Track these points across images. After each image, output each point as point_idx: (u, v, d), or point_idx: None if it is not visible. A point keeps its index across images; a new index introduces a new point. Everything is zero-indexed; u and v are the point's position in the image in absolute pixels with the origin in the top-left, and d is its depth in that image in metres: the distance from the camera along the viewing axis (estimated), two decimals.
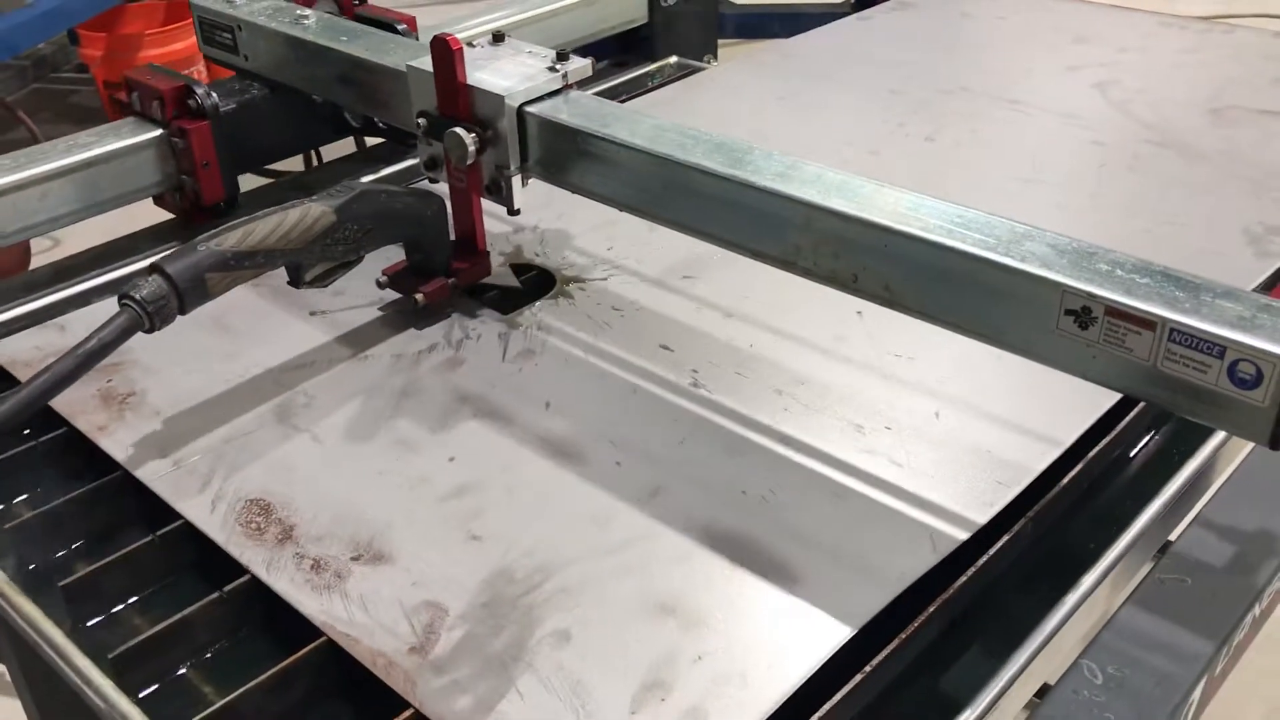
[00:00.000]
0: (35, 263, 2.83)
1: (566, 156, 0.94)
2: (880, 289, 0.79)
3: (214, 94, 1.18)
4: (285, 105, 1.25)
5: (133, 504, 0.88)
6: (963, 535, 0.79)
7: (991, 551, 0.79)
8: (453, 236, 1.07)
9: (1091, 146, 1.32)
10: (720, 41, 1.75)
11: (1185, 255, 1.11)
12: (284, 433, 0.91)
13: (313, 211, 0.92)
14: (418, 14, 1.29)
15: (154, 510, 0.85)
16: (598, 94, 1.52)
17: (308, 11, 1.19)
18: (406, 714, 0.69)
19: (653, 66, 1.60)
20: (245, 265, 0.88)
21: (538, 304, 1.08)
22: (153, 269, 0.85)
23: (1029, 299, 0.71)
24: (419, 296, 1.03)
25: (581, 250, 1.15)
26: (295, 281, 0.95)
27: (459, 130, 0.95)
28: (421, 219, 1.02)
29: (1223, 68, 1.52)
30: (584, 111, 0.94)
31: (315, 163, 1.66)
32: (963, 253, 0.73)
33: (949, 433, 0.89)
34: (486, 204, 1.03)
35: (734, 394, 0.94)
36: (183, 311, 0.86)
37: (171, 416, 0.94)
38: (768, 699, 0.68)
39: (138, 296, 0.84)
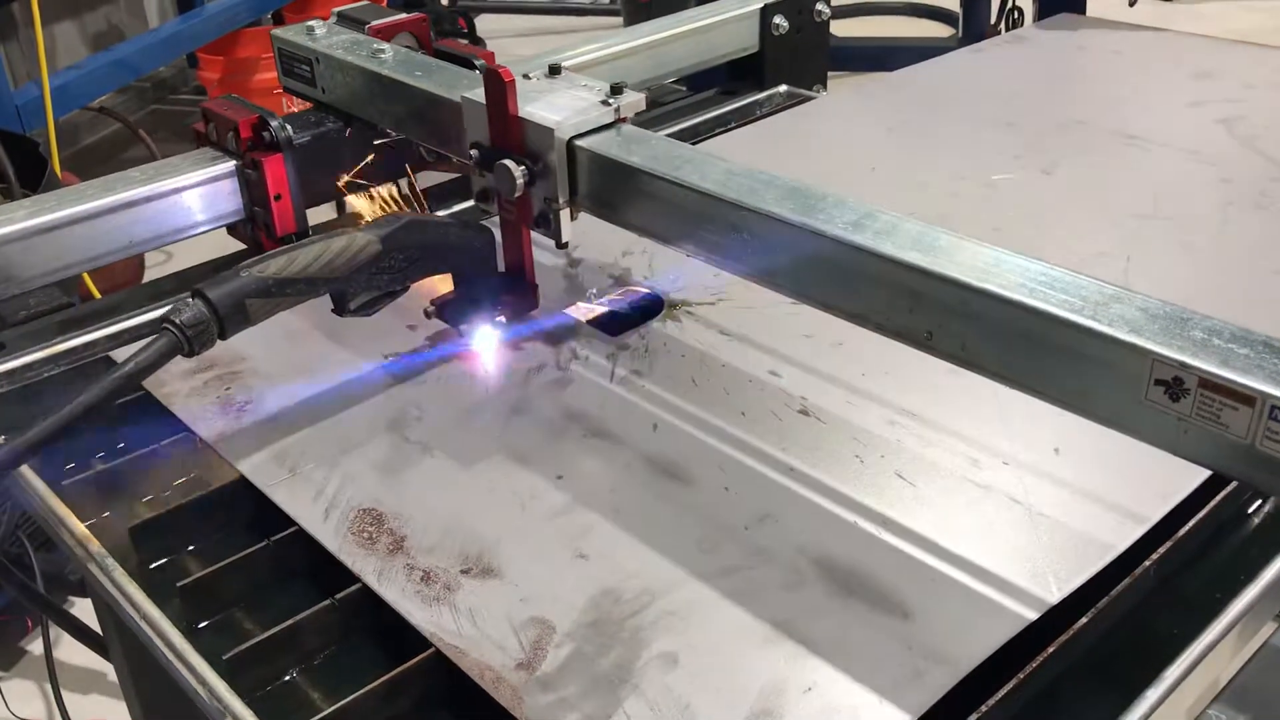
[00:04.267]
0: (149, 275, 2.93)
1: (617, 192, 0.93)
2: (956, 349, 0.75)
3: (288, 126, 1.17)
4: (360, 139, 1.23)
5: (248, 509, 0.90)
6: (1083, 575, 0.77)
7: (1113, 594, 0.76)
8: (502, 268, 1.05)
9: (1217, 184, 1.28)
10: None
11: None
12: (396, 444, 0.93)
13: (358, 240, 0.91)
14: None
15: (268, 516, 0.87)
16: (707, 122, 1.54)
17: (385, 46, 1.19)
18: None
19: (762, 95, 1.60)
20: (287, 292, 0.88)
21: (646, 325, 1.08)
22: (194, 293, 0.85)
23: (1115, 367, 0.66)
24: (464, 328, 1.03)
25: (690, 274, 1.15)
26: (339, 309, 0.95)
27: (508, 163, 0.95)
28: (469, 250, 1.01)
29: None
30: (636, 146, 0.93)
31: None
32: (1045, 314, 0.69)
33: (1072, 468, 0.86)
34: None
35: (846, 424, 0.93)
36: (223, 337, 0.86)
37: (287, 424, 0.95)
38: None
39: (178, 320, 0.83)
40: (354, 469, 0.90)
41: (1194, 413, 0.64)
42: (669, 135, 1.50)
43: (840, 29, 3.82)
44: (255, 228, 1.21)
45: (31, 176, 2.28)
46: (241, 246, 1.29)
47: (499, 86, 0.95)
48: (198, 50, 4.05)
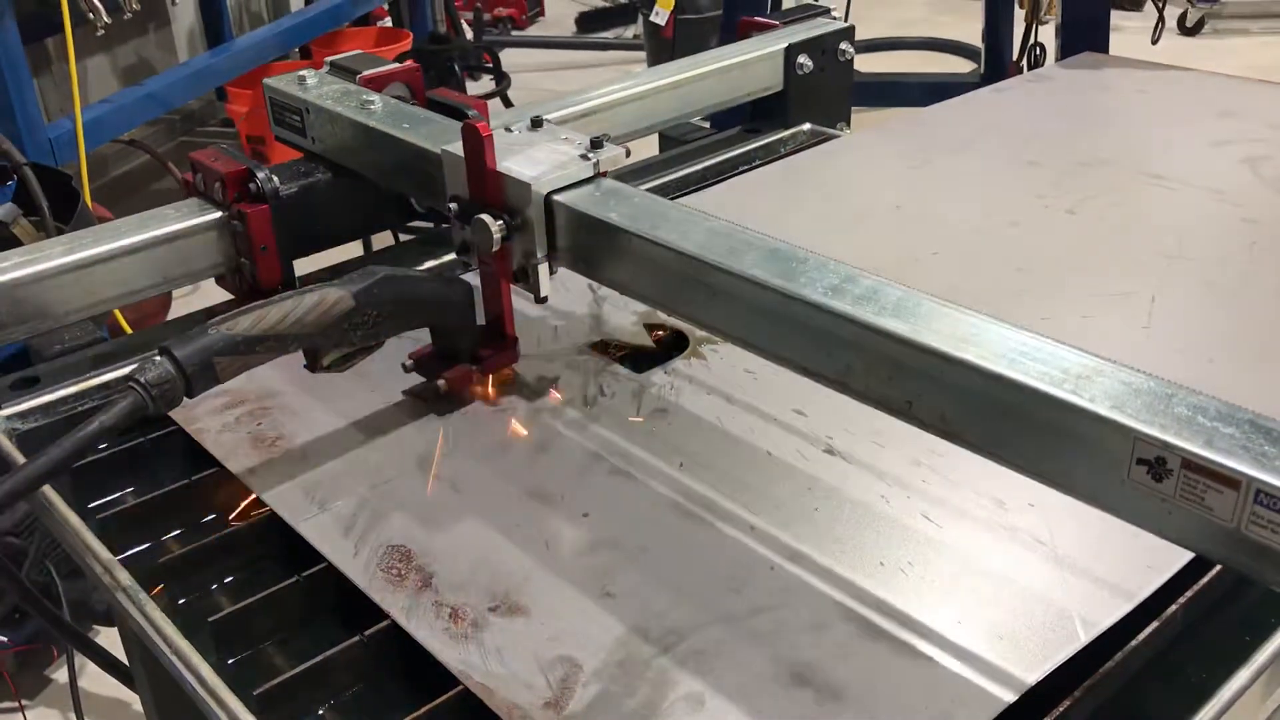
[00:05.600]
0: (175, 309, 2.96)
1: (596, 249, 0.92)
2: (936, 419, 0.73)
3: (275, 178, 1.16)
4: (349, 189, 1.23)
5: (279, 544, 0.91)
6: (1112, 616, 0.77)
7: (1141, 637, 0.76)
8: (481, 322, 1.05)
9: (1241, 224, 1.29)
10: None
11: None
12: (424, 481, 0.94)
13: (329, 296, 0.91)
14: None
15: (298, 552, 0.88)
16: (731, 160, 1.56)
17: (374, 97, 1.18)
18: None
19: (786, 133, 1.61)
20: (256, 350, 0.87)
21: (671, 364, 1.09)
22: (160, 351, 0.84)
23: (1097, 444, 0.65)
24: (441, 382, 1.02)
25: None
26: (312, 366, 0.94)
27: (485, 217, 0.94)
28: (446, 304, 1.00)
29: None
30: (615, 202, 0.92)
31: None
32: (1024, 386, 0.67)
33: (1098, 511, 0.86)
34: None
35: (870, 463, 0.93)
36: (189, 395, 0.85)
37: (318, 461, 0.97)
38: None
39: (143, 380, 0.83)
40: (382, 505, 0.91)
41: (1178, 494, 0.62)
42: (693, 173, 1.52)
43: (862, 64, 3.83)
44: (242, 279, 1.20)
45: (63, 209, 2.31)
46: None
47: (476, 141, 0.94)
48: (226, 84, 4.11)
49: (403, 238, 1.50)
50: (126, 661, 1.28)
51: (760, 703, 0.72)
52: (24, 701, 2.23)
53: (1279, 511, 0.58)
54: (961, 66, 4.52)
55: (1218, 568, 0.82)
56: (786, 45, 1.56)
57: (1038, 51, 3.43)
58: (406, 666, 0.80)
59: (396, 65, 1.27)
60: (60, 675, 2.28)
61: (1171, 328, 1.10)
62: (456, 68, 3.96)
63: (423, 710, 0.74)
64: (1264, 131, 1.52)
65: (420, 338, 1.04)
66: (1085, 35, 2.60)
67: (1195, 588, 0.80)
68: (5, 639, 2.13)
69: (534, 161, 0.95)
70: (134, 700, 2.17)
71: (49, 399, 1.10)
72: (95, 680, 2.19)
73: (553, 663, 0.76)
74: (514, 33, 6.10)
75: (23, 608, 2.01)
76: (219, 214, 1.18)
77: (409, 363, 1.04)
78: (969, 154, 1.51)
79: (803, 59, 1.58)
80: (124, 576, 0.88)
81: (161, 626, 0.83)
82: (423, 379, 1.04)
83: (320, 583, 0.86)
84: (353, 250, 1.39)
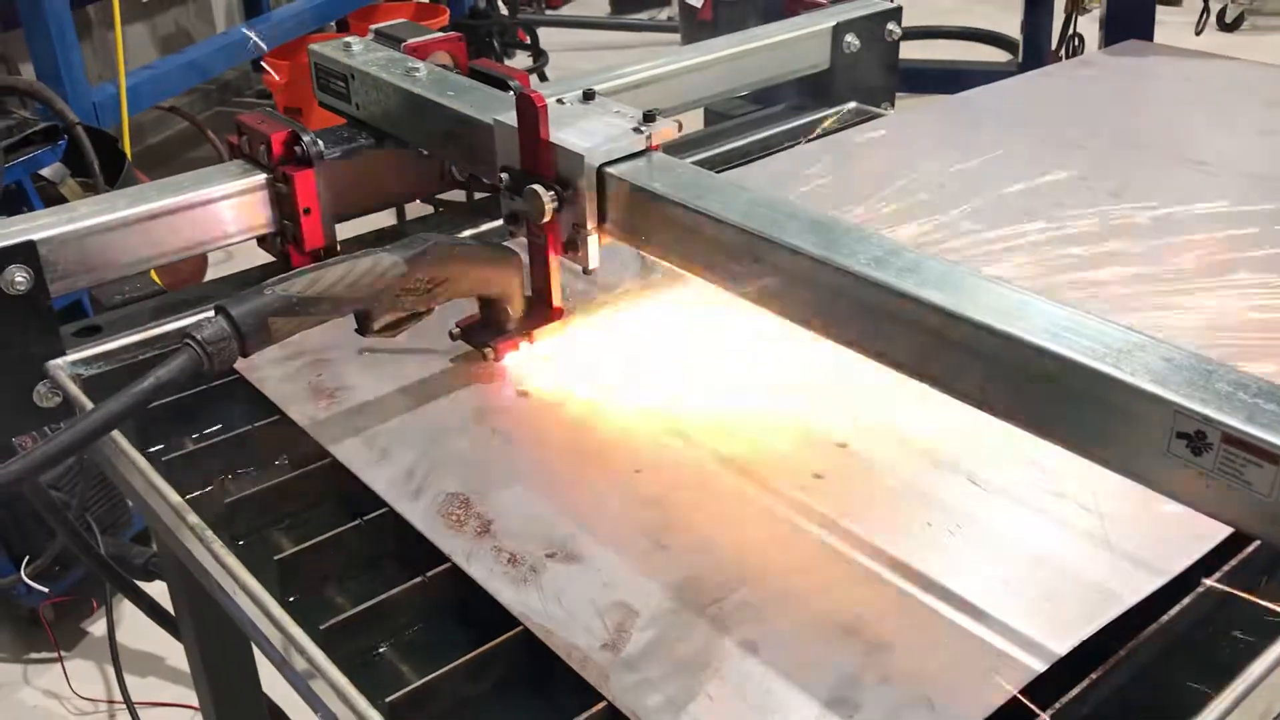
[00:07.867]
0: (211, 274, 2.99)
1: (645, 220, 0.93)
2: (974, 390, 0.75)
3: (320, 141, 1.18)
4: (391, 155, 1.24)
5: (339, 490, 0.93)
6: (1155, 582, 0.78)
7: (1182, 605, 0.78)
8: (528, 292, 1.05)
9: None
10: None
11: None
12: (483, 434, 0.96)
13: (383, 262, 0.92)
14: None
15: (356, 498, 0.90)
16: (777, 136, 1.57)
17: (419, 64, 1.20)
18: (599, 707, 0.71)
19: (831, 111, 1.62)
20: (310, 311, 0.88)
21: None
22: (217, 310, 0.86)
23: (1137, 418, 0.66)
24: (488, 351, 1.03)
25: None
26: (363, 330, 0.95)
27: (537, 187, 0.95)
28: (495, 273, 1.01)
29: None
30: (664, 175, 0.93)
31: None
32: (1067, 360, 0.68)
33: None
34: None
35: (920, 430, 0.95)
36: (244, 354, 0.86)
37: (378, 411, 0.99)
38: None
39: (199, 337, 0.84)
40: (441, 456, 0.93)
41: (1217, 468, 0.63)
42: (738, 148, 1.54)
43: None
44: (284, 241, 1.22)
45: (109, 171, 2.35)
46: None
47: (531, 111, 0.95)
48: (264, 55, 4.13)
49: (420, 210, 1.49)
50: (172, 611, 1.31)
51: (811, 650, 0.74)
52: (62, 653, 2.28)
53: None
54: (998, 57, 4.50)
55: (1256, 543, 0.83)
56: (835, 24, 1.57)
57: (1076, 42, 3.43)
58: (464, 609, 0.82)
59: (441, 35, 1.29)
60: (97, 628, 2.33)
61: (1217, 308, 1.11)
62: (496, 44, 3.98)
63: (483, 649, 0.76)
64: None
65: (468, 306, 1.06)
66: (1130, 24, 2.59)
67: (1236, 559, 0.81)
68: (45, 589, 2.17)
69: (587, 133, 0.97)
70: (170, 654, 2.22)
71: (110, 347, 1.13)
72: (131, 634, 2.23)
73: (609, 608, 0.78)
74: (548, 12, 6.11)
75: (72, 552, 2.05)
76: (263, 176, 1.19)
77: (455, 331, 1.05)
78: (1014, 135, 1.52)
79: (850, 38, 1.59)
80: (192, 517, 0.90)
81: (229, 564, 0.85)
82: (470, 348, 1.05)
83: (379, 527, 0.88)
84: (386, 219, 1.41)
